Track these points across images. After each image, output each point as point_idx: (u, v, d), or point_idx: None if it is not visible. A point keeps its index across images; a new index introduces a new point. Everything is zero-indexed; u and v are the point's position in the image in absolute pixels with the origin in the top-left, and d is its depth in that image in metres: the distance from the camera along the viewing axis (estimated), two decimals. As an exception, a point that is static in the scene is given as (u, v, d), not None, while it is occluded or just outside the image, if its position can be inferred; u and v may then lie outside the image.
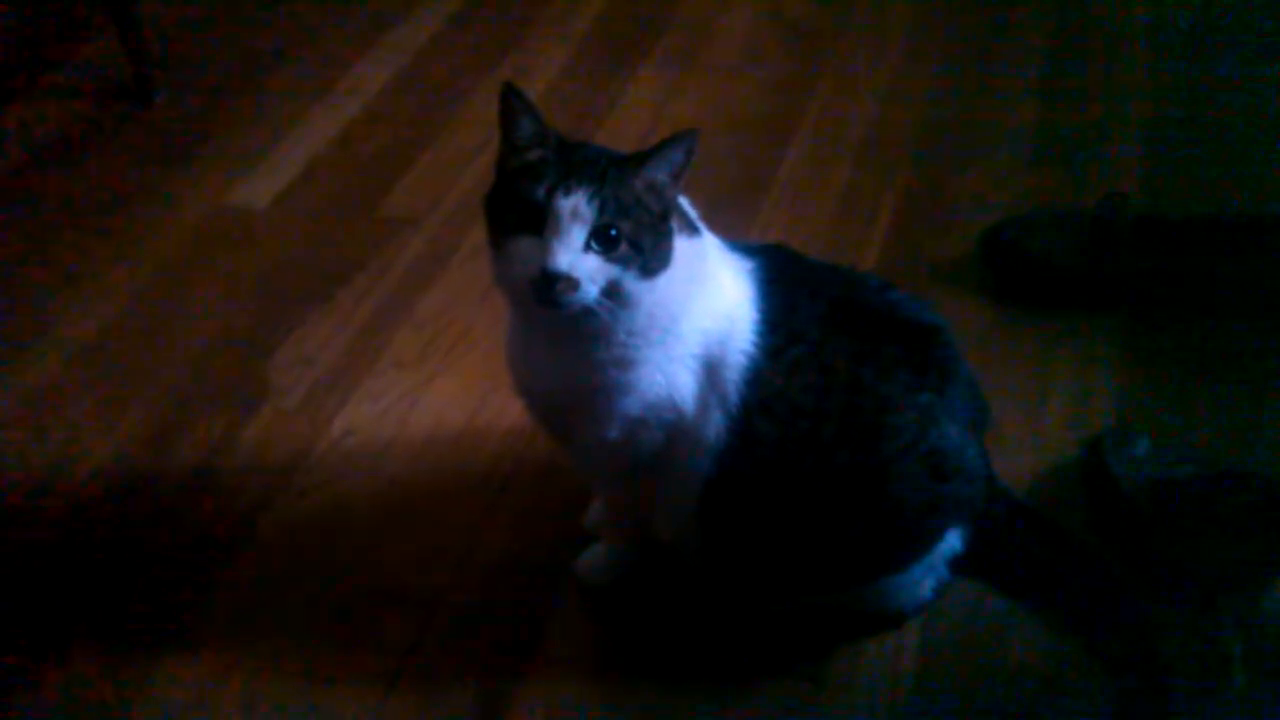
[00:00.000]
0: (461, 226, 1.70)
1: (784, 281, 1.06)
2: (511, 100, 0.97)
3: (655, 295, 0.97)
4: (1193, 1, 2.16)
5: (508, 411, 1.41)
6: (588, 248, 0.93)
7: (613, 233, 0.93)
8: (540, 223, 0.93)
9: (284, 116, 1.92)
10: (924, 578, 1.14)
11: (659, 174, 0.96)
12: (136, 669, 1.18)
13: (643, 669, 1.18)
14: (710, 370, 1.02)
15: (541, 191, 0.93)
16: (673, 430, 1.04)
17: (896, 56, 2.05)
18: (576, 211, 0.92)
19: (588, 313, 0.95)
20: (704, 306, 1.02)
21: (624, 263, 0.94)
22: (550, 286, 0.93)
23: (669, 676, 1.17)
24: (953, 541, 1.12)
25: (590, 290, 0.94)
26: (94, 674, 1.18)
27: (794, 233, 1.67)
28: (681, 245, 0.99)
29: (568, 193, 0.93)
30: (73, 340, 1.54)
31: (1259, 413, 1.40)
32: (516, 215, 0.95)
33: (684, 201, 1.03)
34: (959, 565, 1.15)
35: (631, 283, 0.95)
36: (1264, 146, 1.81)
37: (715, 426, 1.03)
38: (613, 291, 0.95)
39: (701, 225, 1.05)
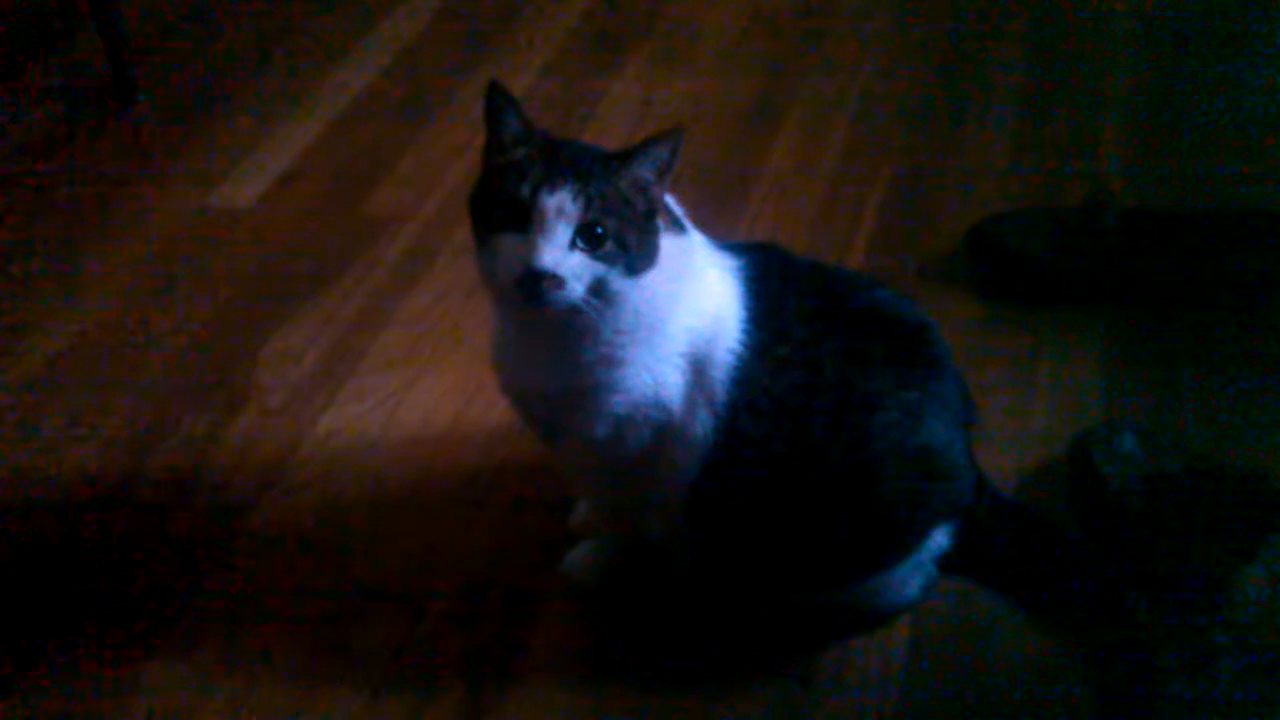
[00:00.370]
0: (447, 224, 1.69)
1: (771, 280, 1.06)
2: (497, 98, 0.96)
3: (642, 294, 0.97)
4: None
5: (495, 410, 1.40)
6: (573, 245, 0.93)
7: (598, 230, 0.93)
8: (525, 220, 0.93)
9: (268, 116, 1.92)
10: (912, 575, 1.14)
11: (645, 172, 0.96)
12: (121, 674, 1.17)
13: (631, 669, 1.18)
14: (697, 369, 1.02)
15: (527, 189, 0.93)
16: (660, 429, 1.04)
17: (881, 55, 2.06)
18: (562, 209, 0.92)
19: (574, 311, 0.94)
20: (691, 305, 1.01)
21: (610, 261, 0.94)
22: (536, 285, 0.92)
23: (657, 677, 1.17)
24: (940, 539, 1.12)
25: (576, 288, 0.93)
26: (78, 680, 1.17)
27: (780, 230, 1.67)
28: (668, 243, 0.99)
29: (553, 190, 0.92)
30: (55, 340, 1.53)
31: (1245, 408, 1.40)
32: (502, 213, 0.94)
33: (670, 200, 1.03)
34: (947, 563, 1.15)
35: (617, 281, 0.95)
36: (1247, 142, 1.82)
37: (703, 425, 1.03)
38: (599, 290, 0.94)
39: (688, 223, 1.05)
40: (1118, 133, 1.86)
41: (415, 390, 1.46)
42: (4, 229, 1.71)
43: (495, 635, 1.20)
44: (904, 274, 1.60)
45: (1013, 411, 1.40)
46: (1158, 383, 1.44)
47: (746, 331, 1.03)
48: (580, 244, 0.93)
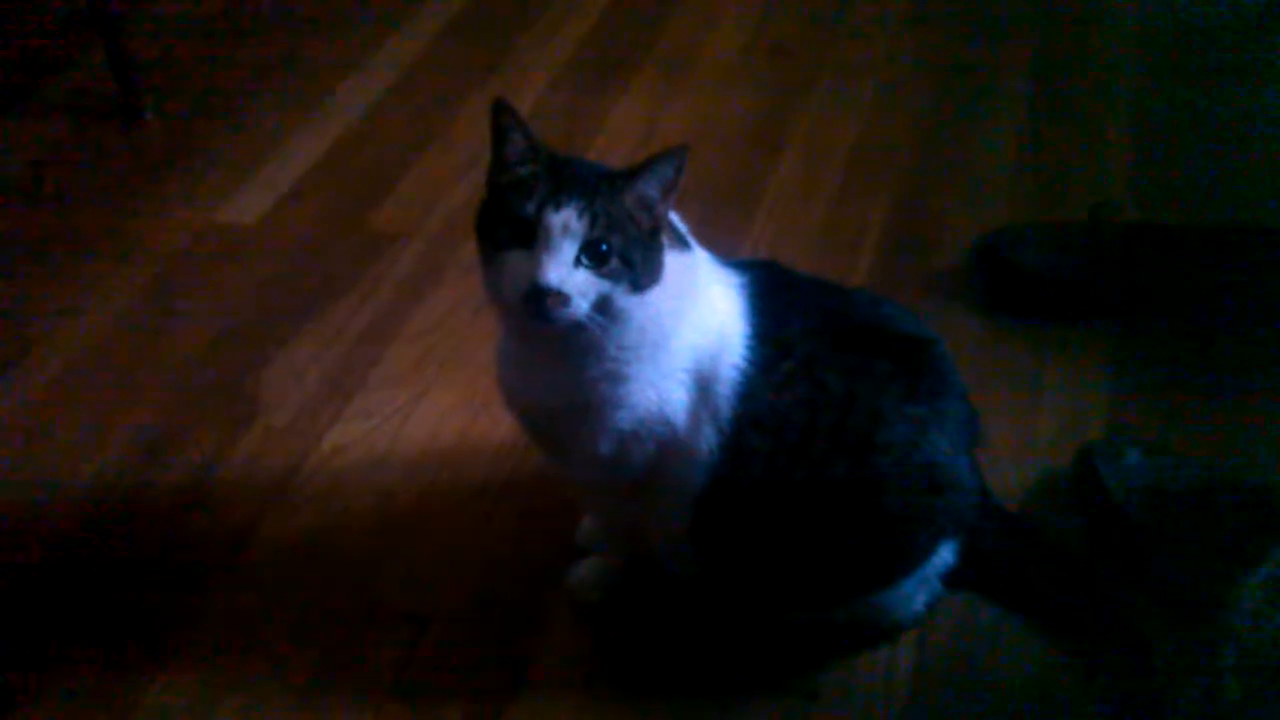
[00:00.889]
0: (453, 241, 1.70)
1: (775, 296, 1.06)
2: (503, 116, 0.97)
3: (646, 310, 0.97)
4: (1179, 15, 2.18)
5: (501, 425, 1.40)
6: (578, 262, 0.93)
7: (603, 247, 0.93)
8: (531, 237, 0.93)
9: (273, 132, 1.93)
10: (917, 591, 1.14)
11: (650, 189, 0.96)
12: (127, 691, 1.17)
13: (635, 686, 1.18)
14: (701, 385, 1.02)
15: (532, 206, 0.93)
16: (665, 445, 1.04)
17: (884, 71, 2.06)
18: (567, 226, 0.92)
19: (578, 328, 0.95)
20: (695, 321, 1.02)
21: (614, 278, 0.94)
22: (541, 301, 0.93)
23: (662, 693, 1.17)
24: (945, 555, 1.12)
25: (581, 305, 0.93)
26: (85, 695, 1.17)
27: (785, 246, 1.67)
28: (672, 260, 0.99)
29: (558, 207, 0.93)
30: (62, 357, 1.54)
31: (1250, 421, 1.40)
32: (507, 230, 0.95)
33: (674, 217, 1.03)
34: (952, 578, 1.15)
35: (622, 298, 0.95)
36: (1253, 156, 1.82)
37: (707, 441, 1.03)
38: (603, 306, 0.95)
39: (692, 240, 1.05)
40: (1123, 147, 1.86)
41: (421, 406, 1.46)
42: (11, 246, 1.72)
43: (500, 650, 1.20)
44: (908, 289, 1.60)
45: (1018, 425, 1.40)
46: (1162, 397, 1.44)
47: (751, 347, 1.03)
48: (585, 261, 0.93)
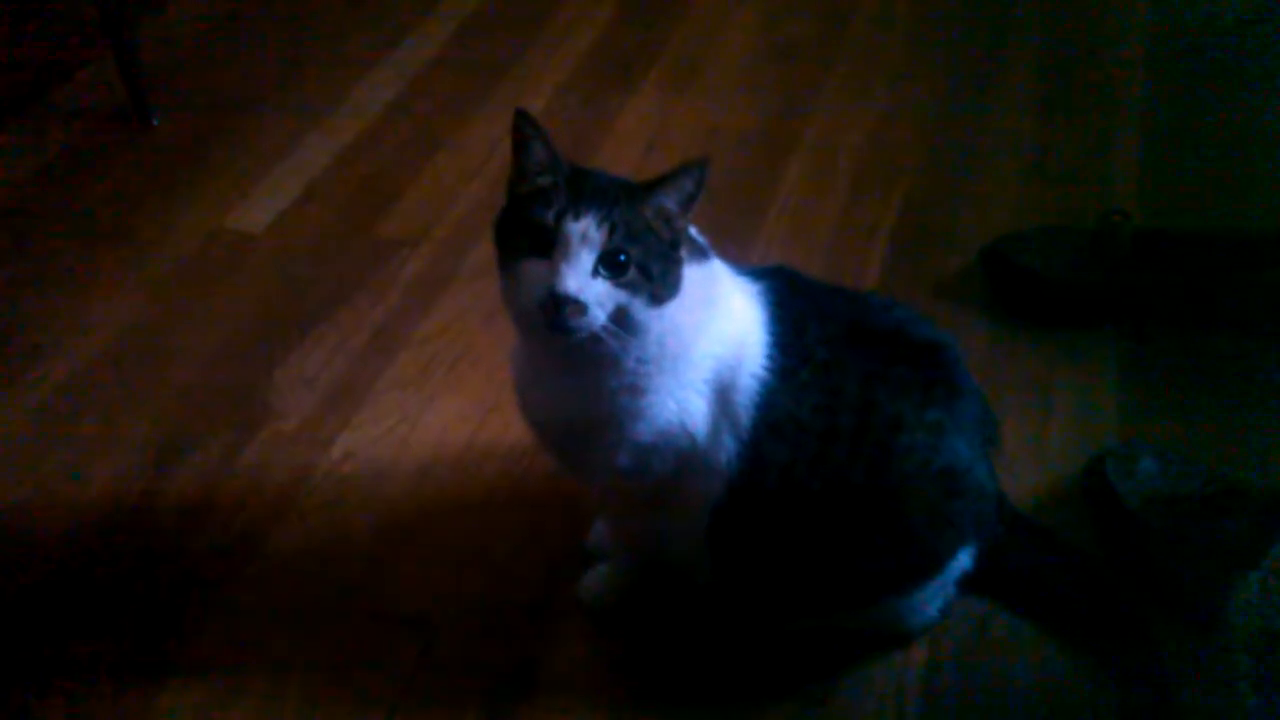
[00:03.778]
0: (461, 247, 1.69)
1: (792, 303, 1.06)
2: (523, 126, 0.97)
3: (665, 323, 0.97)
4: (1188, 20, 2.18)
5: (510, 430, 1.40)
6: (596, 272, 0.93)
7: (621, 258, 0.93)
8: (549, 246, 0.93)
9: (282, 139, 1.92)
10: (933, 597, 1.14)
11: (669, 202, 0.96)
12: (137, 698, 1.17)
13: (647, 692, 1.18)
14: (721, 395, 1.02)
15: (551, 215, 0.93)
16: (684, 455, 1.04)
17: (894, 75, 2.07)
18: (586, 235, 0.92)
19: (595, 340, 0.95)
20: (715, 331, 1.02)
21: (632, 288, 0.94)
22: (558, 310, 0.92)
23: (674, 699, 1.17)
24: (963, 559, 1.12)
25: (598, 315, 0.93)
26: (95, 703, 1.17)
27: (795, 251, 1.67)
28: (691, 272, 0.99)
29: (577, 217, 0.93)
30: (71, 363, 1.54)
31: (1261, 427, 1.40)
32: (526, 239, 0.95)
33: (692, 230, 1.03)
34: (967, 582, 1.15)
35: (640, 310, 0.95)
36: (1262, 162, 1.82)
37: (726, 451, 1.03)
38: (621, 318, 0.94)
39: (710, 251, 1.05)
40: (1132, 152, 1.86)
41: (430, 412, 1.46)
42: (21, 252, 1.72)
43: (511, 656, 1.20)
44: (918, 293, 1.60)
45: (1028, 431, 1.40)
46: (1172, 402, 1.44)
47: (770, 356, 1.03)
48: (603, 271, 0.93)
